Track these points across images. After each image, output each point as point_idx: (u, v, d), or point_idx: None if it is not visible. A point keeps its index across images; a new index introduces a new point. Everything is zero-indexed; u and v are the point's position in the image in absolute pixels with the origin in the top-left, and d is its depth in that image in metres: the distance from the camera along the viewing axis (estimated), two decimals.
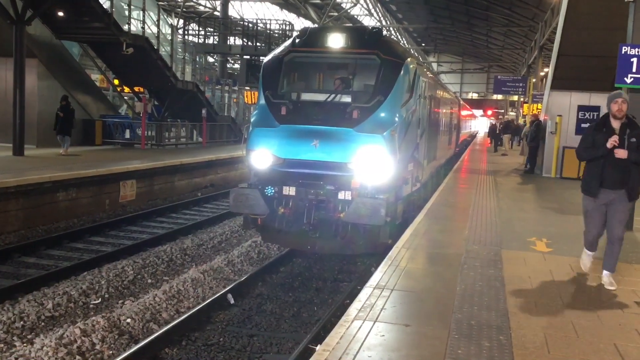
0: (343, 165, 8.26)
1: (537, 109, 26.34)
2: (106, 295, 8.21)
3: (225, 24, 32.14)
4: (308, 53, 9.27)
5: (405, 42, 60.45)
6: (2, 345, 6.38)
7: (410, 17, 55.73)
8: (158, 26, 21.08)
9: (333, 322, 5.93)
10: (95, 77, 30.16)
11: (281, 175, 8.58)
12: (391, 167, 8.33)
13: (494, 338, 4.38)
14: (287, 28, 31.16)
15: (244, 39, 31.07)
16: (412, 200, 10.26)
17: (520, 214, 10.31)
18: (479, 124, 58.81)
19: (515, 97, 48.44)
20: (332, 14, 40.91)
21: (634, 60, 8.95)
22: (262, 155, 8.61)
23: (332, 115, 8.48)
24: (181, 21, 37.93)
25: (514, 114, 51.77)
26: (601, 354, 4.23)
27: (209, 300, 7.62)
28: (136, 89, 23.81)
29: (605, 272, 5.97)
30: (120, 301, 8.04)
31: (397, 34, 57.99)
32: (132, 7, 19.55)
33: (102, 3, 17.53)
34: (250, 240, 11.16)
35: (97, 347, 6.24)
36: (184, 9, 38.67)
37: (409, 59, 9.25)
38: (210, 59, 37.78)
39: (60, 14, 17.48)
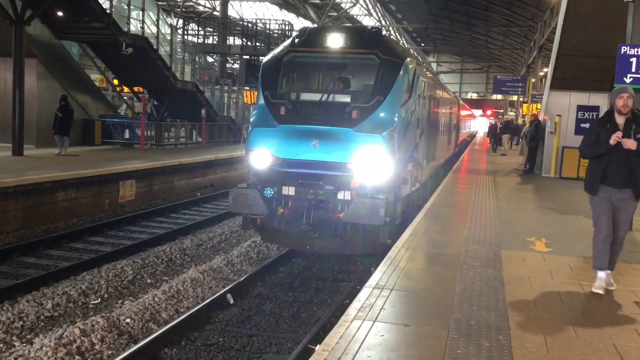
0: (342, 165, 8.26)
1: (536, 109, 26.37)
2: (105, 295, 8.21)
3: (224, 24, 32.14)
4: (307, 53, 9.27)
5: (404, 42, 60.47)
6: (1, 345, 6.38)
7: (410, 17, 55.74)
8: (157, 26, 21.09)
9: (332, 322, 5.93)
10: (95, 77, 30.15)
11: (280, 175, 8.58)
12: (390, 167, 8.33)
13: (493, 338, 4.38)
14: (287, 28, 31.16)
15: (244, 39, 31.08)
16: (411, 200, 10.26)
17: (519, 214, 10.31)
18: (479, 124, 58.80)
19: (515, 97, 48.47)
20: (331, 14, 40.92)
21: (633, 60, 8.96)
22: (262, 155, 8.61)
23: (331, 115, 8.48)
24: (180, 21, 37.93)
25: (513, 114, 51.80)
26: (600, 354, 4.23)
27: (208, 300, 7.62)
28: (135, 89, 23.81)
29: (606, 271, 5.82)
30: (119, 301, 8.04)
31: (397, 33, 58.01)
32: (131, 7, 19.54)
33: (101, 3, 17.51)
34: (249, 240, 11.16)
35: (97, 347, 6.24)
36: (184, 9, 38.67)
37: (408, 59, 9.25)
38: (210, 59, 37.79)
39: (60, 13, 17.48)
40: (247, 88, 29.00)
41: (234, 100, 32.73)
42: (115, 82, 27.12)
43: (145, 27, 20.19)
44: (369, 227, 8.30)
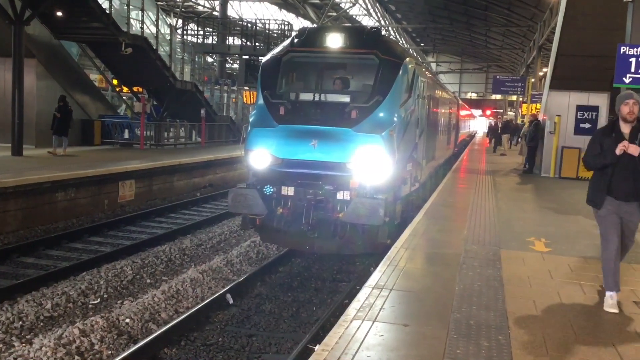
0: (342, 165, 8.26)
1: (535, 108, 26.39)
2: (105, 296, 8.21)
3: (224, 24, 32.14)
4: (306, 53, 9.26)
5: (403, 42, 60.47)
6: (1, 345, 6.38)
7: (409, 17, 55.74)
8: (157, 26, 21.07)
9: (332, 322, 5.93)
10: (94, 77, 30.16)
11: (280, 175, 8.58)
12: (390, 167, 8.33)
13: (492, 338, 4.39)
14: (286, 28, 31.16)
15: (243, 39, 31.07)
16: (410, 200, 10.26)
17: (519, 213, 10.31)
18: (478, 124, 58.81)
19: (514, 97, 48.51)
20: (330, 14, 40.91)
21: (633, 60, 8.98)
22: (261, 156, 8.60)
23: (330, 115, 8.48)
24: (180, 21, 37.92)
25: (513, 113, 51.83)
26: (600, 353, 4.24)
27: (207, 301, 7.62)
28: (135, 89, 23.81)
29: None
30: (119, 301, 8.04)
31: (396, 33, 58.01)
32: (130, 7, 19.54)
33: (100, 3, 17.51)
34: (249, 240, 11.16)
35: (96, 347, 6.24)
36: (183, 9, 38.67)
37: (407, 59, 9.25)
38: (209, 59, 37.77)
39: (59, 14, 17.46)
40: (247, 88, 29.01)
41: (234, 100, 32.73)
42: (115, 82, 27.11)
43: (145, 27, 20.19)
44: (368, 227, 8.29)
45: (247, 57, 28.37)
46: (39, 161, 14.76)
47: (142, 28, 20.01)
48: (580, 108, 16.15)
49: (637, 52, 8.97)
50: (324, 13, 39.00)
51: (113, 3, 18.23)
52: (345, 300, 7.49)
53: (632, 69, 9.00)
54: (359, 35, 9.21)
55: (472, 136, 45.83)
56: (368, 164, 8.20)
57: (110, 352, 6.21)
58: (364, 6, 48.29)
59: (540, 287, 5.78)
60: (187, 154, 19.83)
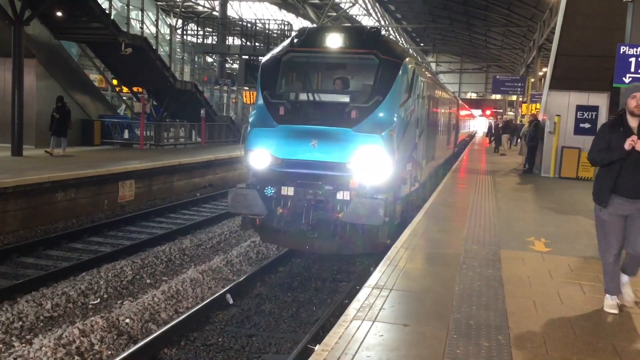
0: (341, 166, 8.26)
1: (535, 108, 26.39)
2: (105, 296, 8.21)
3: (223, 24, 32.14)
4: (306, 53, 9.26)
5: (403, 42, 60.48)
6: (1, 345, 6.38)
7: (409, 17, 55.74)
8: (157, 26, 21.07)
9: (332, 322, 5.92)
10: (94, 77, 30.16)
11: (279, 175, 8.58)
12: (390, 167, 8.33)
13: (492, 338, 4.38)
14: (286, 28, 31.15)
15: (243, 39, 31.06)
16: (410, 200, 10.26)
17: (519, 213, 10.31)
18: (478, 124, 58.83)
19: (514, 97, 48.52)
20: (330, 14, 40.91)
21: (632, 60, 8.98)
22: (261, 156, 8.60)
23: (330, 115, 8.48)
24: (180, 21, 37.91)
25: (512, 113, 51.83)
26: (600, 353, 4.24)
27: (207, 301, 7.62)
28: (135, 89, 23.80)
29: (624, 278, 5.29)
30: (119, 301, 8.04)
31: (396, 33, 58.01)
32: (130, 7, 19.54)
33: (100, 3, 17.51)
34: (249, 240, 11.16)
35: (96, 347, 6.24)
36: (183, 9, 38.66)
37: (407, 59, 9.25)
38: (209, 59, 37.77)
39: (59, 14, 17.45)
40: (247, 88, 29.01)
41: (233, 100, 32.73)
42: (115, 82, 27.12)
43: (145, 27, 20.18)
44: (368, 227, 8.29)
45: (246, 57, 28.35)
46: (38, 161, 14.76)
47: (142, 28, 20.00)
48: (580, 108, 16.15)
49: (636, 52, 8.98)
50: (324, 13, 39.00)
51: (114, 4, 18.23)
52: (345, 300, 7.48)
53: (632, 69, 9.01)
54: (358, 35, 9.21)
55: (472, 136, 45.83)
56: (368, 164, 8.20)
57: (110, 352, 6.21)
58: (364, 6, 48.28)
59: (540, 287, 5.78)
60: (187, 154, 19.84)
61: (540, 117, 18.59)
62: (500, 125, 29.35)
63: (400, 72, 8.74)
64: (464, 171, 17.92)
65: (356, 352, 4.01)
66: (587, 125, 16.00)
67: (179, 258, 10.28)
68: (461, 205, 10.96)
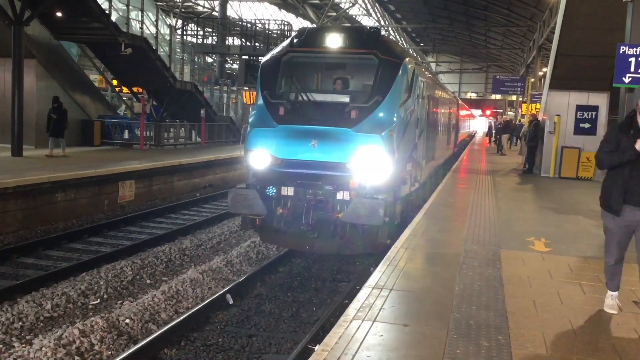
0: (341, 166, 8.26)
1: (535, 108, 26.37)
2: (105, 296, 8.21)
3: (223, 24, 32.13)
4: (306, 53, 9.26)
5: (403, 42, 60.47)
6: (1, 346, 6.38)
7: (409, 17, 55.75)
8: (157, 26, 21.08)
9: (332, 322, 5.93)
10: (94, 77, 30.14)
11: (279, 175, 8.58)
12: (389, 167, 8.33)
13: (492, 338, 4.38)
14: (286, 28, 31.15)
15: (243, 39, 31.06)
16: (410, 200, 10.26)
17: (518, 213, 10.31)
18: (478, 124, 58.84)
19: (514, 97, 48.50)
20: (330, 14, 40.90)
21: (632, 60, 8.98)
22: (260, 156, 8.60)
23: (330, 115, 8.48)
24: (180, 21, 37.91)
25: (512, 113, 51.82)
26: (599, 353, 4.24)
27: (207, 301, 7.62)
28: (135, 89, 23.80)
29: None
30: (119, 302, 8.04)
31: (396, 33, 58.00)
32: (130, 7, 19.54)
33: (100, 3, 17.52)
34: (249, 240, 11.16)
35: (96, 347, 6.24)
36: (183, 9, 38.66)
37: (407, 59, 9.25)
38: (209, 59, 37.77)
39: (59, 14, 17.46)
40: (247, 88, 29.01)
41: (233, 100, 32.73)
42: (115, 82, 27.10)
43: (145, 27, 20.18)
44: (368, 227, 8.29)
45: (246, 57, 28.37)
46: (38, 162, 14.76)
47: (141, 28, 20.01)
48: (579, 108, 16.16)
49: (636, 51, 8.98)
50: (324, 13, 38.99)
51: (114, 5, 18.23)
52: (345, 300, 7.48)
53: (632, 69, 9.00)
54: (358, 36, 9.21)
55: (472, 136, 45.84)
56: (368, 164, 8.20)
57: (110, 352, 6.21)
58: (364, 6, 48.27)
59: (540, 287, 5.78)
60: (187, 154, 19.84)
61: (540, 117, 18.60)
62: (500, 126, 29.27)
63: (400, 72, 8.74)
64: (464, 171, 17.92)
65: (356, 352, 4.01)
66: (587, 125, 16.01)
67: (179, 258, 10.28)
68: (461, 205, 10.96)
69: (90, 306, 7.85)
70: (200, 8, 41.51)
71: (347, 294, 8.04)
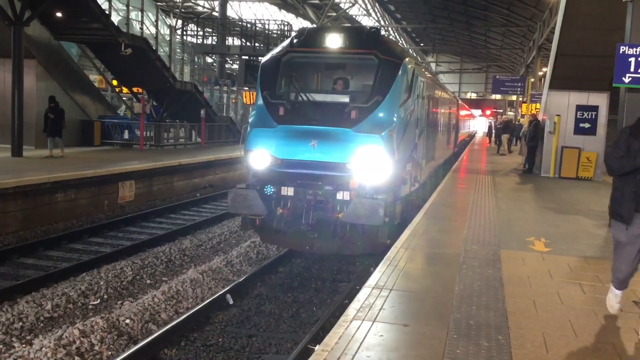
0: (341, 166, 8.26)
1: (535, 108, 26.36)
2: (105, 296, 8.21)
3: (223, 25, 32.13)
4: (306, 53, 9.26)
5: (403, 42, 60.47)
6: (1, 346, 6.38)
7: (409, 17, 55.75)
8: (156, 27, 21.08)
9: (332, 322, 5.92)
10: (94, 77, 30.12)
11: (279, 175, 8.58)
12: (389, 167, 8.33)
13: (492, 338, 4.39)
14: (286, 28, 31.14)
15: (243, 40, 31.05)
16: (410, 200, 10.26)
17: (518, 213, 10.31)
18: (478, 124, 58.83)
19: (514, 97, 48.48)
20: (330, 14, 40.89)
21: (632, 59, 8.97)
22: (260, 156, 8.60)
23: (330, 116, 8.48)
24: (179, 22, 37.91)
25: (512, 113, 51.80)
26: (599, 353, 4.24)
27: (207, 301, 7.62)
28: (135, 89, 23.80)
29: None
30: (119, 302, 8.04)
31: (396, 34, 58.01)
32: (130, 7, 19.54)
33: (100, 4, 17.52)
34: (249, 240, 11.16)
35: (96, 347, 6.24)
36: (183, 10, 38.65)
37: (407, 59, 9.25)
38: (209, 60, 37.76)
39: (59, 14, 17.46)
40: (246, 88, 29.00)
41: (233, 100, 32.72)
42: (115, 82, 27.09)
43: (145, 27, 20.18)
44: (368, 227, 8.29)
45: (246, 57, 28.35)
46: (38, 162, 14.76)
47: (141, 29, 20.01)
48: (579, 108, 16.16)
49: (636, 51, 8.97)
50: (324, 13, 38.98)
51: (115, 6, 18.23)
52: (345, 300, 7.48)
53: (632, 69, 8.99)
54: (358, 36, 9.21)
55: (472, 136, 45.84)
56: (368, 164, 8.20)
57: (110, 352, 6.22)
58: (364, 6, 48.27)
59: (540, 287, 5.79)
60: (187, 154, 19.83)
61: (540, 117, 18.59)
62: (500, 126, 29.22)
63: (400, 72, 8.74)
64: (464, 171, 17.92)
65: (356, 352, 4.02)
66: (587, 125, 16.01)
67: (179, 258, 10.28)
68: (461, 205, 10.96)
69: (90, 306, 7.85)
70: (200, 8, 41.50)
71: (347, 294, 8.04)
